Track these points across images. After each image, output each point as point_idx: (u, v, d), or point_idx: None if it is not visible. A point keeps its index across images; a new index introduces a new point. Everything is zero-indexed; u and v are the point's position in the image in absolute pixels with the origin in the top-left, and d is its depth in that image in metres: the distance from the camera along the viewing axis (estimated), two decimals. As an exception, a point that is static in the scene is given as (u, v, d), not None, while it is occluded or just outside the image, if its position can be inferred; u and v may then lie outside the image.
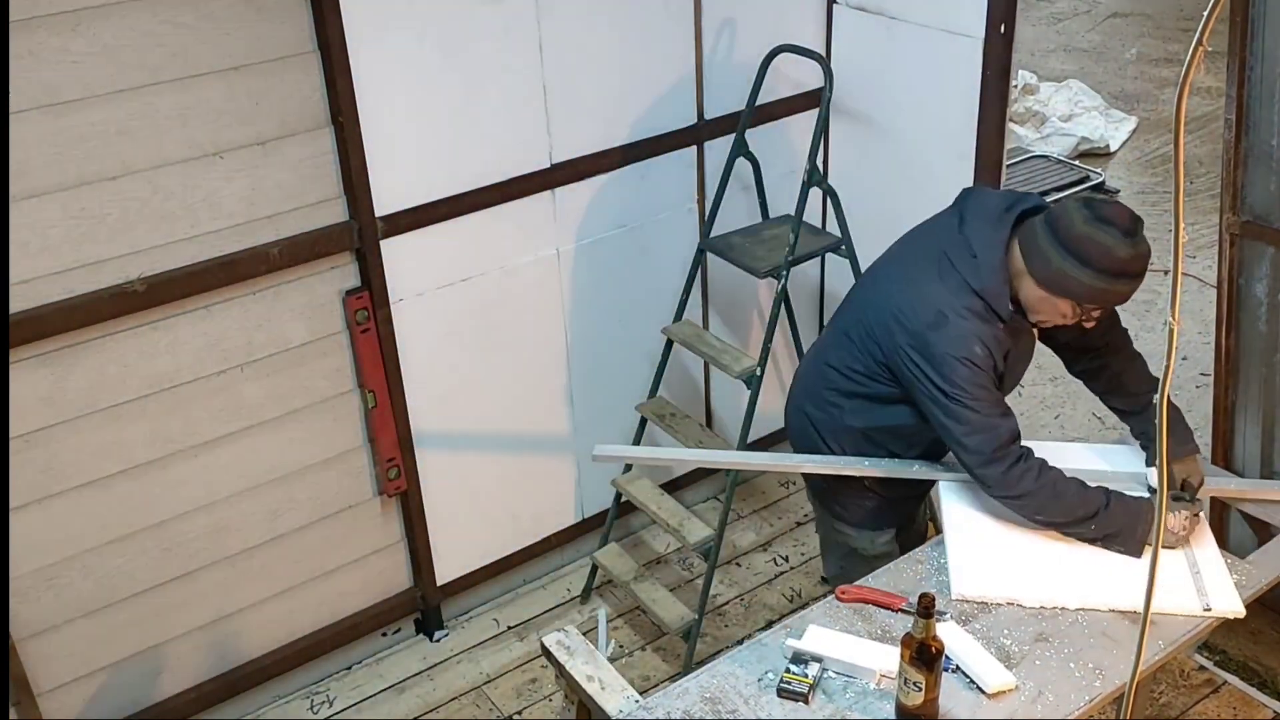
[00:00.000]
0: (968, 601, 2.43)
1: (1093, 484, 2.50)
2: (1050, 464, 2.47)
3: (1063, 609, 2.40)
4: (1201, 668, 3.37)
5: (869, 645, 2.30)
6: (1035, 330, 2.57)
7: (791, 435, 2.90)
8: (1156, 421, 1.65)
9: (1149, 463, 2.68)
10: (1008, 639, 2.34)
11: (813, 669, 2.25)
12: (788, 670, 2.26)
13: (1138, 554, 2.45)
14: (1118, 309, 2.61)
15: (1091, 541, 2.48)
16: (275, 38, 2.72)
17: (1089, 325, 2.47)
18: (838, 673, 2.27)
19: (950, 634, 2.30)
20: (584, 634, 2.51)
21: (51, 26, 2.44)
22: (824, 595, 2.65)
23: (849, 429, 2.71)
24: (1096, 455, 2.77)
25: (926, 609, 2.05)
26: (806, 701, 2.21)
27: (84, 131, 2.55)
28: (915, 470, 2.72)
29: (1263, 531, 2.99)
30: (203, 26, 2.62)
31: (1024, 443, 2.48)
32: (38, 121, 2.49)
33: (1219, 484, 2.87)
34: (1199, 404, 4.51)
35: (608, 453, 3.20)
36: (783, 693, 2.23)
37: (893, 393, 2.59)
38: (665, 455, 3.15)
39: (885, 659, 2.24)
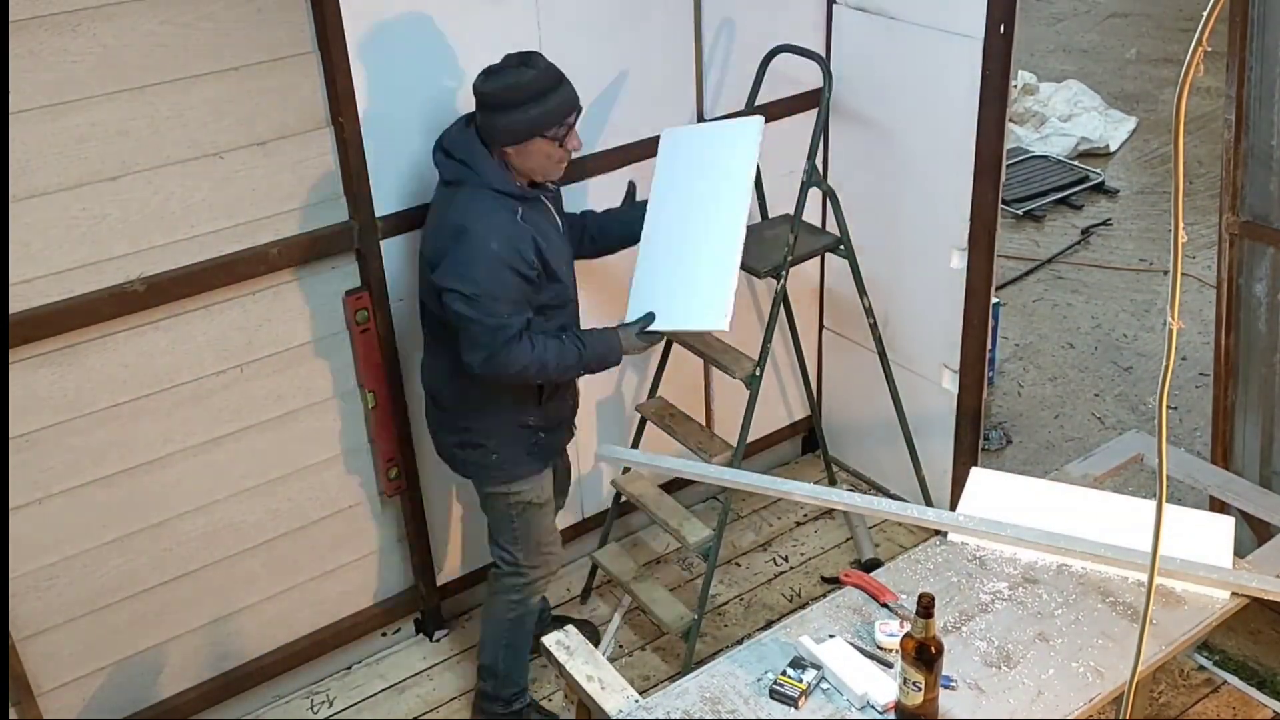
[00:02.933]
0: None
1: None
2: (526, 334, 2.70)
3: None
4: (1201, 668, 3.37)
5: (870, 670, 2.28)
6: (554, 208, 2.84)
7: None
8: (1157, 423, 1.65)
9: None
10: (1008, 639, 2.34)
11: (809, 674, 2.25)
12: (784, 673, 2.26)
13: (618, 360, 2.88)
14: None
15: (589, 370, 2.85)
16: (275, 38, 2.72)
17: (574, 147, 2.72)
18: (830, 686, 2.27)
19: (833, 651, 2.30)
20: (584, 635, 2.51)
21: (51, 26, 2.44)
22: (824, 595, 2.66)
23: (476, 394, 2.86)
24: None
25: (926, 609, 2.05)
26: (796, 707, 2.21)
27: (84, 131, 2.55)
28: (916, 515, 2.79)
29: (1263, 531, 2.99)
30: (203, 26, 2.62)
31: None
32: (38, 121, 2.49)
33: (1219, 484, 2.88)
34: (1199, 404, 4.52)
35: (613, 455, 3.36)
36: (774, 695, 2.24)
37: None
38: (667, 465, 3.18)
39: (878, 687, 2.23)
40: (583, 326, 3.00)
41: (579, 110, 2.71)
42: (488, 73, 2.64)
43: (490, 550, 3.14)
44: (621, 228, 3.12)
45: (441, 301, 2.65)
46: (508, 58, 2.65)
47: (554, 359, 2.74)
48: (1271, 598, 2.37)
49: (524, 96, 2.60)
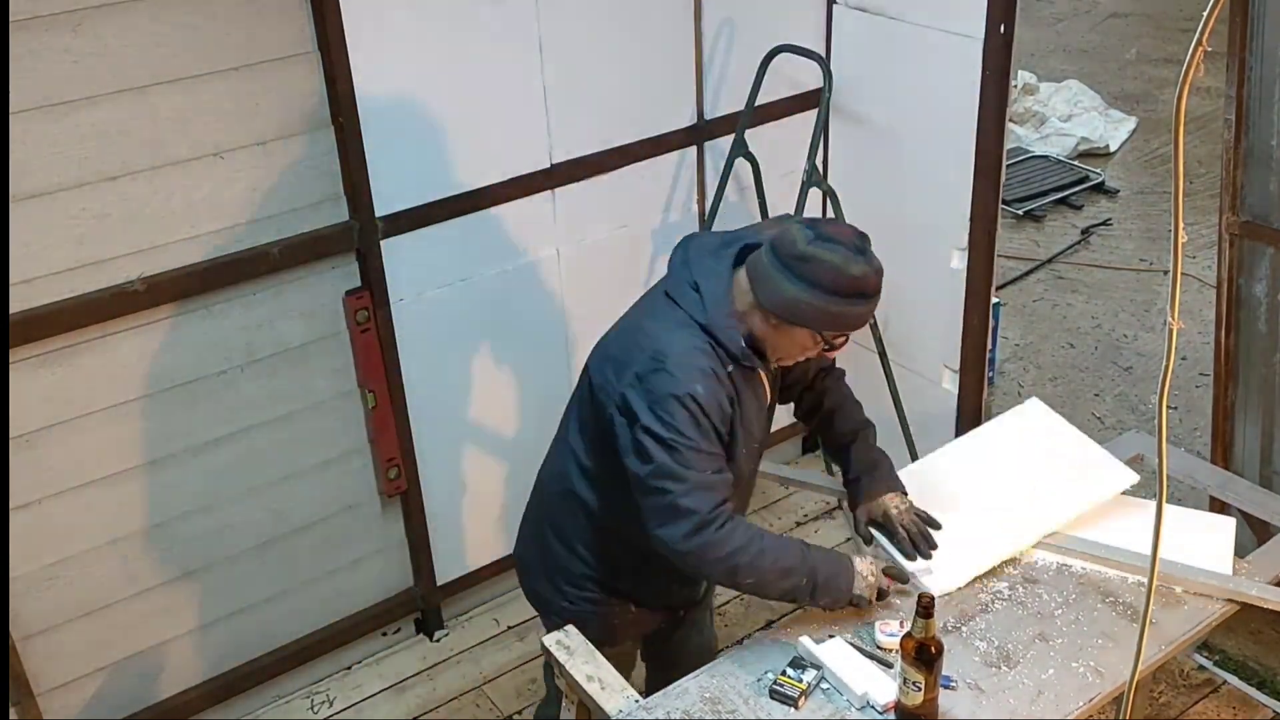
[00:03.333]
0: (957, 593, 2.43)
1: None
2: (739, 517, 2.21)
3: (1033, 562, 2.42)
4: (1201, 668, 3.37)
5: (870, 670, 2.28)
6: (768, 383, 2.34)
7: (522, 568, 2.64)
8: (1157, 423, 1.64)
9: (853, 505, 2.53)
10: (1008, 639, 2.34)
11: (809, 675, 2.25)
12: (783, 673, 2.26)
13: (842, 604, 2.30)
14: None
15: (802, 598, 2.28)
16: (275, 38, 2.72)
17: (830, 355, 2.28)
18: (830, 685, 2.26)
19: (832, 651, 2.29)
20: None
21: (51, 26, 2.44)
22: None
23: (594, 528, 2.41)
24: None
25: (926, 609, 2.05)
26: (796, 707, 2.21)
27: (84, 131, 2.55)
28: None
29: (1262, 531, 2.99)
30: (203, 26, 2.62)
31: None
32: (38, 121, 2.49)
33: (1219, 484, 2.88)
34: (1199, 404, 4.51)
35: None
36: (774, 694, 2.24)
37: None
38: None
39: (878, 687, 2.23)
40: None
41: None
42: (818, 233, 2.11)
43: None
44: (842, 446, 2.58)
45: (615, 432, 2.19)
46: (844, 229, 2.16)
47: (772, 549, 2.19)
48: (1271, 606, 2.37)
49: (838, 287, 2.10)
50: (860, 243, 2.14)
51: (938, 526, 2.48)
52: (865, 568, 2.31)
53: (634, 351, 2.20)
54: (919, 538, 2.45)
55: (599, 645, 2.39)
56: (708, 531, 2.15)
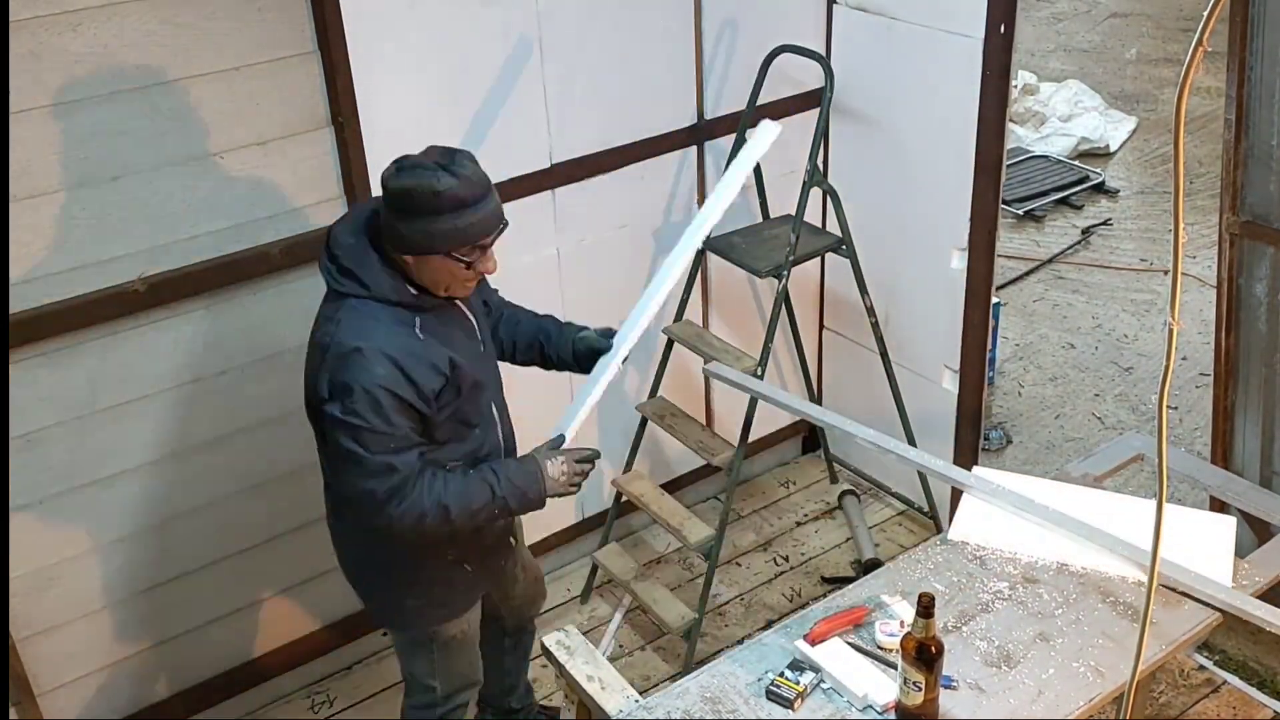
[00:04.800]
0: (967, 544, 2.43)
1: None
2: (425, 471, 2.28)
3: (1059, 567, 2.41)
4: (1201, 667, 3.37)
5: (870, 670, 2.28)
6: (474, 318, 2.44)
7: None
8: (1157, 423, 1.64)
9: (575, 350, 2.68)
10: (1008, 639, 2.34)
11: (806, 677, 2.25)
12: (781, 674, 2.26)
13: (541, 503, 2.43)
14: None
15: (501, 519, 2.44)
16: (275, 38, 2.72)
17: (488, 270, 2.28)
18: (830, 687, 2.26)
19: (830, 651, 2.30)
20: (584, 634, 2.51)
21: (51, 26, 2.44)
22: (824, 595, 2.65)
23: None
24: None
25: (927, 609, 2.05)
26: (793, 709, 2.21)
27: (84, 131, 2.55)
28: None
29: (1262, 531, 2.99)
30: (203, 26, 2.62)
31: None
32: (38, 121, 2.49)
33: (1219, 484, 2.88)
34: (1199, 404, 4.52)
35: (718, 372, 3.14)
36: (771, 696, 2.24)
37: None
38: (771, 394, 3.05)
39: (878, 687, 2.23)
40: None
41: (501, 230, 2.25)
42: (399, 166, 2.19)
43: (401, 671, 2.80)
44: (534, 334, 2.68)
45: (324, 430, 2.26)
46: (429, 151, 2.23)
47: (456, 498, 2.29)
48: (1270, 627, 2.36)
49: (434, 206, 2.14)
50: (443, 159, 2.18)
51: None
52: (556, 469, 2.43)
53: (316, 356, 2.26)
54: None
55: (451, 615, 2.55)
56: (385, 511, 2.24)
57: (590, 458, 2.48)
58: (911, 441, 3.69)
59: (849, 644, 2.34)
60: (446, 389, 2.28)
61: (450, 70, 3.01)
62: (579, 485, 2.48)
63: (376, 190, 2.97)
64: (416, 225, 2.16)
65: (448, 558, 2.49)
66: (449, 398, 2.30)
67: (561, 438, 2.54)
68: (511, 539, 2.71)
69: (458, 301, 2.36)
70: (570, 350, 2.67)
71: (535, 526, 3.74)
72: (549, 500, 2.45)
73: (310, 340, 2.32)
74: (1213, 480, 2.93)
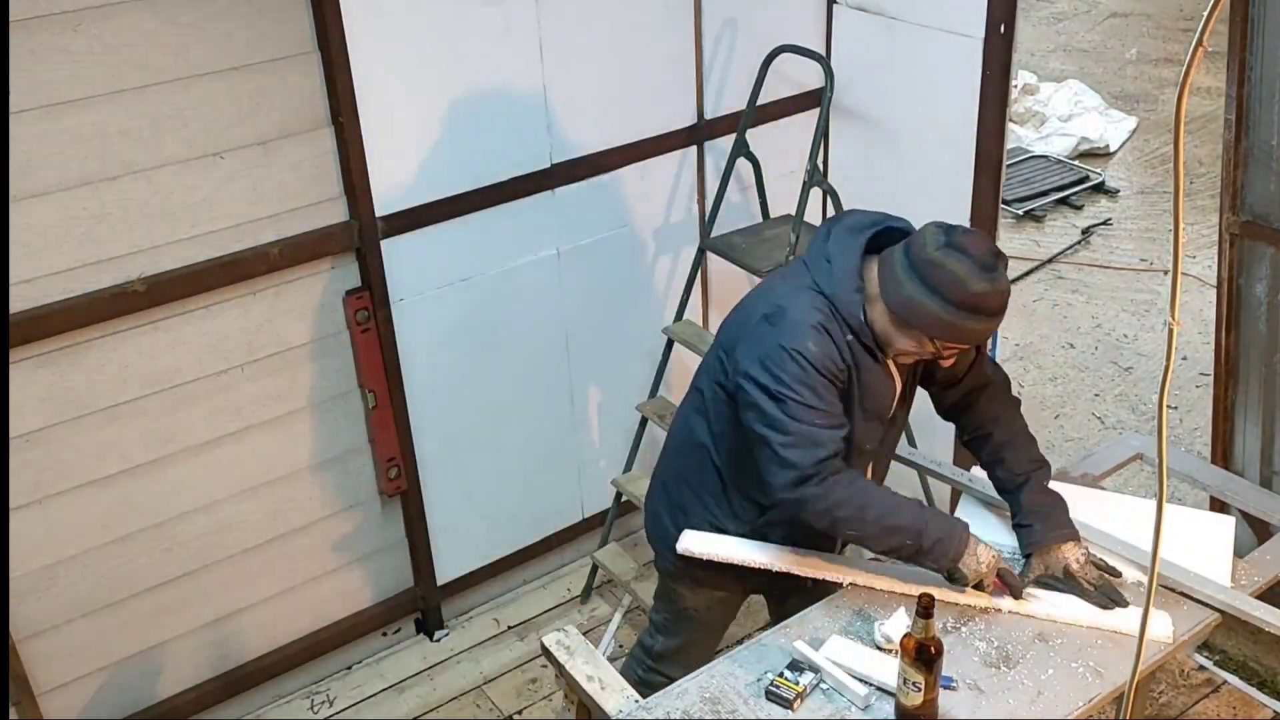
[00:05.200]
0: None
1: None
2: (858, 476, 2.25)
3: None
4: (1201, 667, 3.37)
5: (870, 657, 2.28)
6: (895, 367, 2.34)
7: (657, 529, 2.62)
8: (1157, 423, 1.64)
9: (1022, 551, 2.44)
10: (1008, 639, 2.34)
11: (806, 677, 2.25)
12: (781, 675, 2.26)
13: (947, 569, 2.28)
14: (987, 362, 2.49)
15: (908, 558, 2.28)
16: (275, 38, 2.72)
17: (946, 364, 2.28)
18: (829, 687, 2.26)
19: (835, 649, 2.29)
20: (584, 634, 2.51)
21: (51, 26, 2.44)
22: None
23: (721, 484, 2.45)
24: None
25: (926, 609, 2.05)
26: (792, 709, 2.21)
27: (84, 131, 2.55)
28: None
29: (1262, 531, 2.99)
30: (203, 26, 2.62)
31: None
32: (38, 121, 2.49)
33: (1219, 484, 2.88)
34: (1199, 404, 4.51)
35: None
36: (770, 696, 2.24)
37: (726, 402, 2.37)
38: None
39: (881, 670, 2.23)
40: None
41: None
42: (950, 239, 2.13)
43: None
44: (1013, 486, 2.48)
45: (736, 391, 2.25)
46: (980, 241, 2.14)
47: (879, 506, 2.22)
48: (1269, 628, 2.36)
49: (957, 298, 2.10)
50: (990, 259, 2.13)
51: (1118, 575, 2.37)
52: (984, 552, 2.29)
53: (758, 304, 2.29)
54: (1107, 592, 2.34)
55: (698, 584, 2.54)
56: (809, 485, 2.19)
57: (1015, 585, 2.34)
58: (911, 442, 3.69)
59: (848, 643, 2.33)
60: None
61: (450, 70, 3.01)
62: (984, 587, 2.33)
63: (377, 190, 2.98)
64: (927, 299, 2.12)
65: (745, 516, 2.45)
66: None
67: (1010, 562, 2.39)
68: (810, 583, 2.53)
69: (890, 363, 2.31)
70: (1009, 486, 2.50)
71: (536, 527, 3.75)
72: (955, 577, 2.30)
73: (744, 300, 2.36)
74: (1213, 480, 2.93)
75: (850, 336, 2.23)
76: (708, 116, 3.55)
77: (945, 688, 2.18)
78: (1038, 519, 2.41)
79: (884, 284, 2.20)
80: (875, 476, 2.50)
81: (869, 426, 2.35)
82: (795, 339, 2.17)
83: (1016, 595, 2.34)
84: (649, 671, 2.80)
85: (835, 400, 2.22)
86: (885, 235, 2.29)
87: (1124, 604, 2.34)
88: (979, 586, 2.33)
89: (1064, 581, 2.37)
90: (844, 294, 2.21)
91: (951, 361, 2.27)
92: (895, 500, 2.27)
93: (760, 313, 2.25)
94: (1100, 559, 2.41)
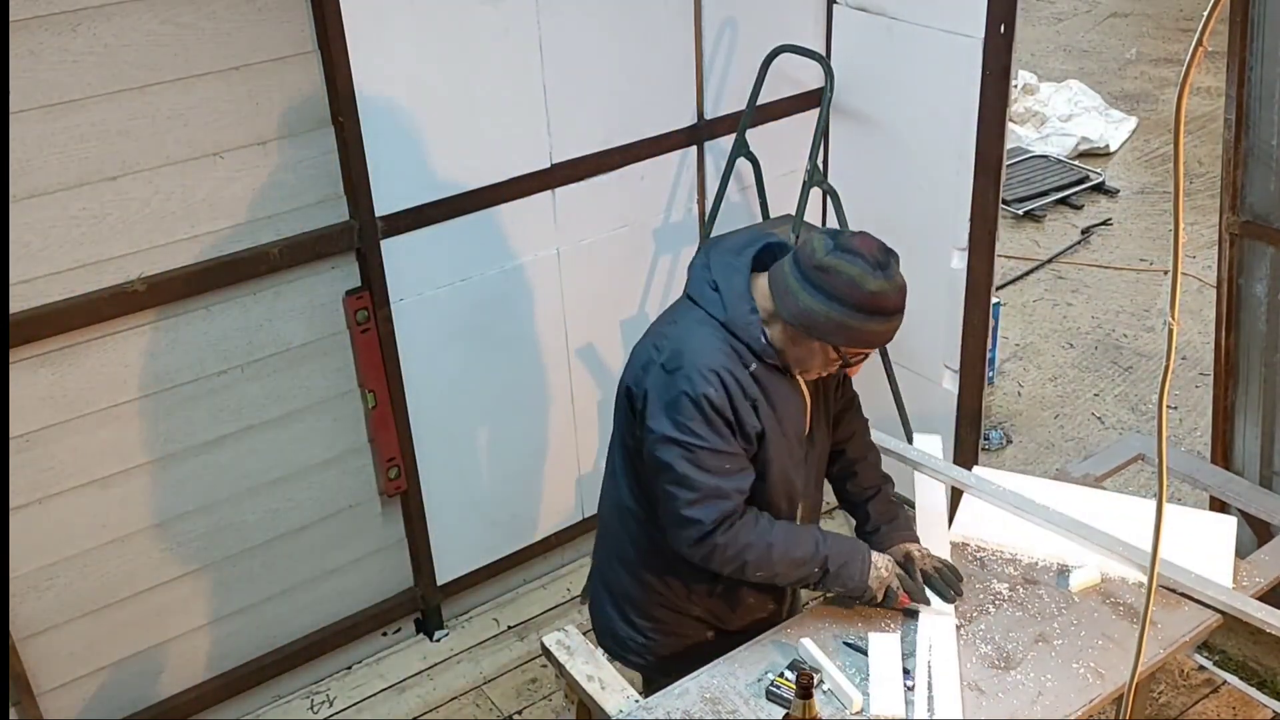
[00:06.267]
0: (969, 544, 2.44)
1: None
2: (753, 509, 2.22)
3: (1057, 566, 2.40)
4: (1201, 668, 3.37)
5: (874, 675, 2.27)
6: (804, 384, 2.28)
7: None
8: (1157, 423, 1.64)
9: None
10: (1008, 640, 2.34)
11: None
12: (781, 675, 2.26)
13: (853, 594, 2.32)
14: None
15: (817, 584, 2.30)
16: (275, 38, 2.72)
17: (852, 372, 2.27)
18: (829, 688, 2.26)
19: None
20: (584, 634, 2.51)
21: (51, 26, 2.44)
22: (823, 595, 2.64)
23: (653, 549, 2.36)
24: None
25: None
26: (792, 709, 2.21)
27: (84, 131, 2.55)
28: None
29: (1262, 531, 2.99)
30: (203, 26, 2.62)
31: None
32: (38, 121, 2.49)
33: (1219, 484, 2.88)
34: (1199, 404, 4.52)
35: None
36: (771, 696, 2.24)
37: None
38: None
39: (879, 692, 2.23)
40: None
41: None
42: (837, 243, 2.08)
43: None
44: (862, 500, 2.53)
45: (647, 451, 2.19)
46: (867, 241, 2.10)
47: (782, 544, 2.21)
48: (1270, 629, 2.36)
49: (854, 300, 2.05)
50: (882, 257, 2.08)
51: (960, 577, 2.42)
52: (882, 563, 2.33)
53: (653, 354, 2.20)
54: (947, 580, 2.39)
55: (666, 677, 2.36)
56: (711, 539, 2.17)
57: (918, 595, 2.36)
58: (909, 435, 3.69)
59: (848, 645, 2.33)
60: (760, 444, 2.19)
61: (450, 70, 3.01)
62: (891, 599, 2.34)
63: (377, 190, 2.98)
64: (824, 306, 2.06)
65: (693, 614, 2.41)
66: (758, 457, 2.21)
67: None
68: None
69: (798, 375, 2.25)
70: (858, 499, 2.54)
71: (536, 527, 3.75)
72: (866, 598, 2.33)
73: (641, 341, 2.28)
74: (1213, 480, 2.93)
75: (755, 364, 2.16)
76: (708, 116, 3.55)
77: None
78: (885, 524, 2.47)
79: (778, 299, 2.13)
80: (807, 514, 2.45)
81: (791, 450, 2.28)
82: (698, 385, 2.10)
83: (919, 599, 2.36)
84: None
85: (739, 446, 2.17)
86: (766, 252, 2.22)
87: (960, 595, 2.39)
88: (887, 598, 2.34)
89: (905, 567, 2.39)
90: (739, 318, 2.14)
91: (857, 370, 2.25)
92: (794, 532, 2.26)
93: (657, 362, 2.17)
94: (943, 560, 2.45)
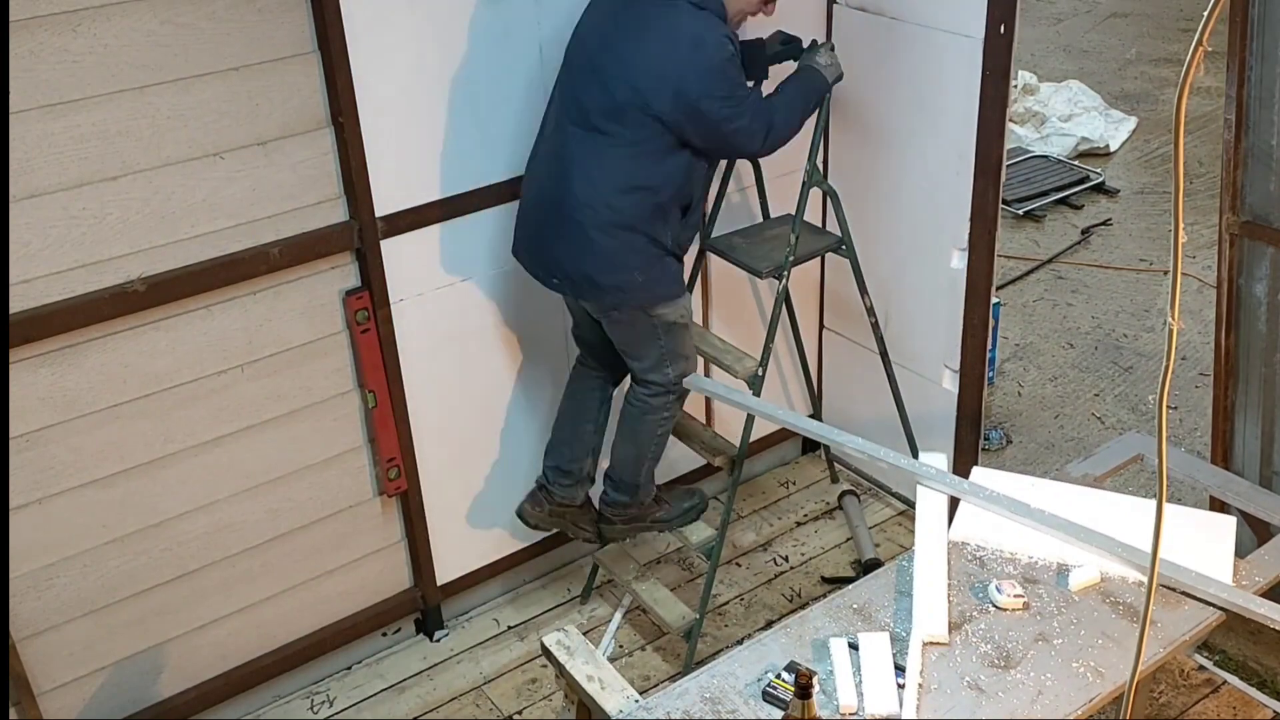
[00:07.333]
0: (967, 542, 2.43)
1: None
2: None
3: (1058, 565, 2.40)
4: (1201, 668, 3.37)
5: (869, 675, 2.28)
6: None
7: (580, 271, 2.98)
8: (1157, 423, 1.65)
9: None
10: (1008, 639, 2.34)
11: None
12: (778, 676, 2.26)
13: (834, 76, 3.15)
14: None
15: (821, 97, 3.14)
16: (275, 38, 2.72)
17: (770, 13, 3.06)
18: (825, 692, 2.26)
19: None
20: (584, 634, 2.51)
21: (51, 26, 2.44)
22: (824, 595, 2.65)
23: (653, 206, 2.90)
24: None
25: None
26: (789, 710, 2.21)
27: (84, 131, 2.55)
28: None
29: (1262, 531, 2.99)
30: (203, 26, 2.62)
31: None
32: (38, 121, 2.49)
33: (1219, 484, 2.88)
34: (1199, 404, 4.52)
35: (699, 386, 3.28)
36: (767, 697, 2.24)
37: (666, 144, 2.85)
38: (753, 405, 3.25)
39: (873, 695, 2.23)
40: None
41: None
42: None
43: (632, 385, 3.21)
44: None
45: (690, 111, 2.78)
46: None
47: (799, 96, 3.05)
48: (1272, 623, 2.36)
49: None
50: None
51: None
52: (825, 57, 3.15)
53: (674, 41, 2.79)
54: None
55: (674, 300, 3.04)
56: (774, 133, 2.98)
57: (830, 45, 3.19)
58: (912, 441, 3.70)
59: (849, 645, 2.33)
60: None
61: (450, 70, 3.01)
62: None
63: (377, 190, 2.98)
64: None
65: (665, 246, 2.95)
66: None
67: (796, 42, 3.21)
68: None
69: None
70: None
71: (535, 526, 3.74)
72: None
73: (645, 39, 2.81)
74: (1213, 480, 2.93)
75: (724, 26, 2.87)
76: (708, 116, 3.54)
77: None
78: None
79: None
80: None
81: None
82: (723, 51, 2.80)
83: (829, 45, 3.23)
84: (673, 405, 3.23)
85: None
86: None
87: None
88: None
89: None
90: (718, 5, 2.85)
91: (774, 8, 3.05)
92: (798, 89, 3.08)
93: (683, 46, 2.78)
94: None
